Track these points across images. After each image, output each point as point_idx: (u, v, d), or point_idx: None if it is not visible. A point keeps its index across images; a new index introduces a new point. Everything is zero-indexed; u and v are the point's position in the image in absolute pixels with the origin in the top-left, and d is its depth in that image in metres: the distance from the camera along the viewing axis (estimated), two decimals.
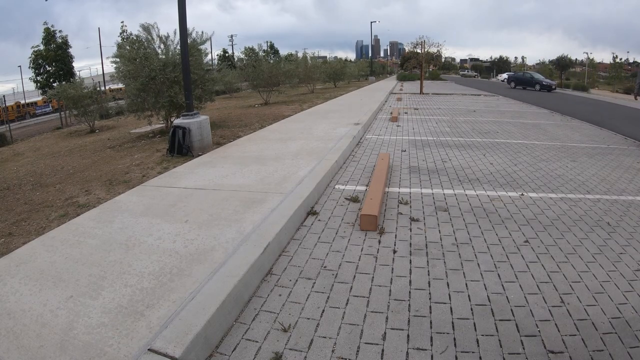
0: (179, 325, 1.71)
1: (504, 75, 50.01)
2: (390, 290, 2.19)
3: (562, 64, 50.97)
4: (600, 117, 11.42)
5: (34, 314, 1.83)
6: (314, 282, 2.26)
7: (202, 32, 8.42)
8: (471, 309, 2.02)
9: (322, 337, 1.81)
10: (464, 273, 2.38)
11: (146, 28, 7.95)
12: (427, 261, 2.52)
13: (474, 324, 1.91)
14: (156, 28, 8.01)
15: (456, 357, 1.70)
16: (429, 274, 2.36)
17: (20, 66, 42.26)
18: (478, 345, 1.76)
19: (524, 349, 1.75)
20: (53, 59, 19.92)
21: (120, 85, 11.19)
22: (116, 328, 1.71)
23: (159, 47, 8.08)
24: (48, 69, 20.22)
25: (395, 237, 2.87)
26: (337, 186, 4.06)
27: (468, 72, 79.46)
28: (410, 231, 2.98)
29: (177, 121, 5.99)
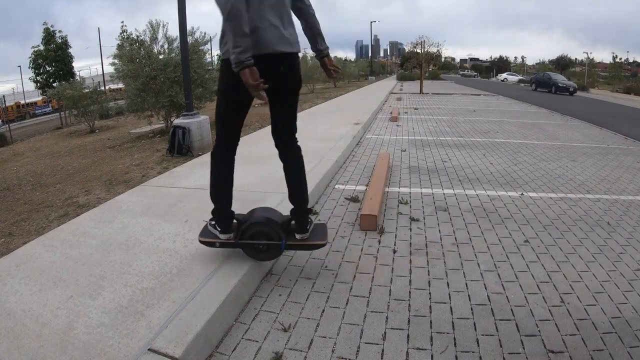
0: (179, 325, 1.71)
1: (504, 75, 50.05)
2: (390, 290, 2.19)
3: (562, 64, 51.04)
4: (600, 117, 11.43)
5: (34, 314, 1.83)
6: (314, 282, 2.26)
7: (205, 33, 8.44)
8: (471, 309, 2.02)
9: (322, 337, 1.81)
10: (464, 273, 2.38)
11: (154, 25, 7.96)
12: (427, 261, 2.52)
13: (474, 323, 1.91)
14: (163, 27, 8.02)
15: (456, 357, 1.70)
16: (429, 274, 2.36)
17: (20, 66, 42.24)
18: (478, 345, 1.76)
19: (524, 348, 1.75)
20: (53, 59, 19.93)
21: (120, 85, 11.23)
22: (116, 328, 1.71)
23: (162, 46, 8.09)
24: (48, 69, 20.22)
25: (395, 237, 2.87)
26: (337, 186, 4.06)
27: (468, 72, 79.51)
28: (410, 231, 2.98)
29: (177, 121, 6.00)
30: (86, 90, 12.91)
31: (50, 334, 1.69)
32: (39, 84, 20.57)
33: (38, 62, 20.03)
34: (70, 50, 20.69)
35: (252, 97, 1.93)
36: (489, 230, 3.01)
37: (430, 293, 2.17)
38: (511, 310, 2.02)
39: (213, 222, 2.21)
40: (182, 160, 5.09)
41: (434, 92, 20.71)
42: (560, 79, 24.38)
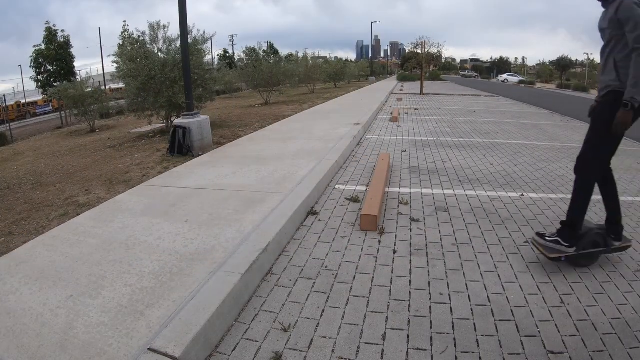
0: (179, 324, 1.71)
1: (504, 76, 50.02)
2: (390, 291, 2.19)
3: (563, 65, 50.98)
4: None
5: (34, 313, 1.83)
6: (314, 282, 2.26)
7: (204, 32, 8.44)
8: (471, 310, 2.02)
9: (322, 337, 1.81)
10: (464, 273, 2.38)
11: (152, 27, 7.96)
12: (427, 261, 2.52)
13: (474, 324, 1.91)
14: (163, 28, 8.02)
15: (456, 357, 1.70)
16: (429, 274, 2.36)
17: (20, 66, 42.27)
18: (478, 346, 1.76)
19: (523, 349, 1.75)
20: (54, 58, 19.92)
21: (121, 85, 11.24)
22: (116, 327, 1.71)
23: (162, 46, 8.09)
24: (49, 68, 20.22)
25: (396, 237, 2.87)
26: (337, 186, 4.06)
27: (468, 72, 79.50)
28: (411, 231, 2.98)
29: (177, 121, 6.00)
30: (88, 90, 12.90)
31: (50, 333, 1.69)
32: (39, 83, 20.58)
33: (39, 61, 20.03)
34: (71, 50, 20.71)
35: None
36: (489, 231, 3.01)
37: (430, 293, 2.17)
38: (511, 311, 2.02)
39: None
40: (183, 160, 5.09)
41: (434, 92, 20.71)
42: None
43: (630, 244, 2.62)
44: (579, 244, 2.42)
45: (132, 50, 7.84)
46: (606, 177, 2.54)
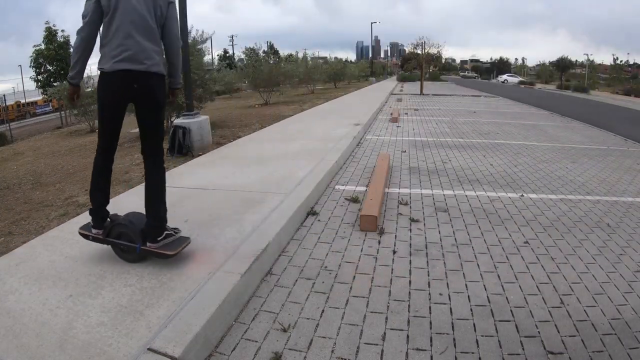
0: (179, 324, 1.71)
1: (504, 77, 50.06)
2: (390, 291, 2.19)
3: (563, 66, 50.96)
4: (600, 119, 11.43)
5: (34, 313, 1.83)
6: (314, 282, 2.26)
7: (202, 32, 8.44)
8: (471, 310, 2.02)
9: (322, 337, 1.81)
10: (463, 274, 2.38)
11: None
12: (427, 262, 2.52)
13: (474, 324, 1.91)
14: None
15: (456, 358, 1.69)
16: (428, 275, 2.36)
17: (20, 66, 42.16)
18: (478, 346, 1.76)
19: (523, 349, 1.74)
20: (54, 58, 19.90)
21: None
22: (116, 327, 1.71)
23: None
24: (49, 68, 20.20)
25: (395, 238, 2.87)
26: (337, 186, 4.06)
27: (468, 73, 79.62)
28: (410, 232, 2.98)
29: (177, 121, 6.00)
30: (88, 90, 12.89)
31: (49, 333, 1.69)
32: (39, 83, 20.58)
33: (39, 61, 20.03)
34: (71, 50, 20.72)
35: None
36: (488, 232, 3.01)
37: (429, 294, 2.16)
38: (511, 311, 2.02)
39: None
40: (182, 160, 5.09)
41: (434, 93, 20.73)
42: None
43: (169, 254, 2.17)
44: (107, 229, 2.31)
45: None
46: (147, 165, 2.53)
